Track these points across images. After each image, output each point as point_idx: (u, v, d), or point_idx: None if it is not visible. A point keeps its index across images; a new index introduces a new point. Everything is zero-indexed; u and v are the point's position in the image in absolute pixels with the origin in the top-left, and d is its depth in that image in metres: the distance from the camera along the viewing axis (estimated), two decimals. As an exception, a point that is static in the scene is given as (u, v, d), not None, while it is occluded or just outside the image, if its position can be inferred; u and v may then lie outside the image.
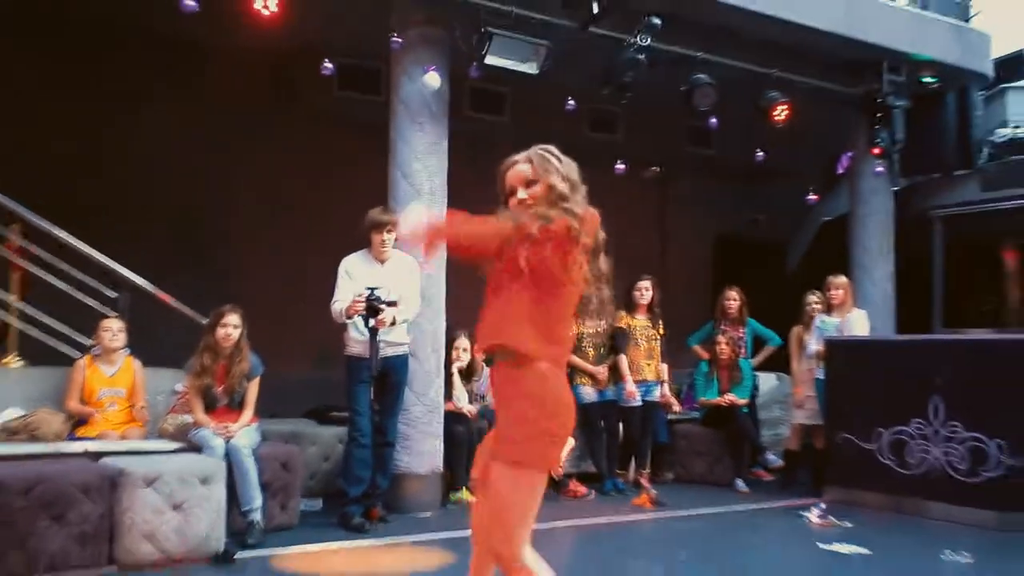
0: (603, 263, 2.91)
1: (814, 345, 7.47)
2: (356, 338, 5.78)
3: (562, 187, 2.85)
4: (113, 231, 7.10)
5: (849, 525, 5.97)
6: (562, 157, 2.93)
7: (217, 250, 8.25)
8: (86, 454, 5.05)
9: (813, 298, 7.79)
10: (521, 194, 2.90)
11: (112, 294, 6.44)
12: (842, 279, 7.66)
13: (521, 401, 2.82)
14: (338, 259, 5.88)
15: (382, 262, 5.88)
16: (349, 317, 5.66)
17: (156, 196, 8.11)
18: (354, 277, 5.78)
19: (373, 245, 5.87)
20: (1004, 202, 9.58)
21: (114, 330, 5.79)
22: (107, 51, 7.79)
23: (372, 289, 5.57)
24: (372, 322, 5.54)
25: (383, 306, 5.54)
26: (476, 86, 8.13)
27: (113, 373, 5.76)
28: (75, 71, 7.79)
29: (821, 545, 5.42)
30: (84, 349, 6.04)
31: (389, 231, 5.82)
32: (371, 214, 5.88)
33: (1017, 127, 10.14)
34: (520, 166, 2.94)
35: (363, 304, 5.54)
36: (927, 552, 5.26)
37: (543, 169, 2.88)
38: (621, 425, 7.43)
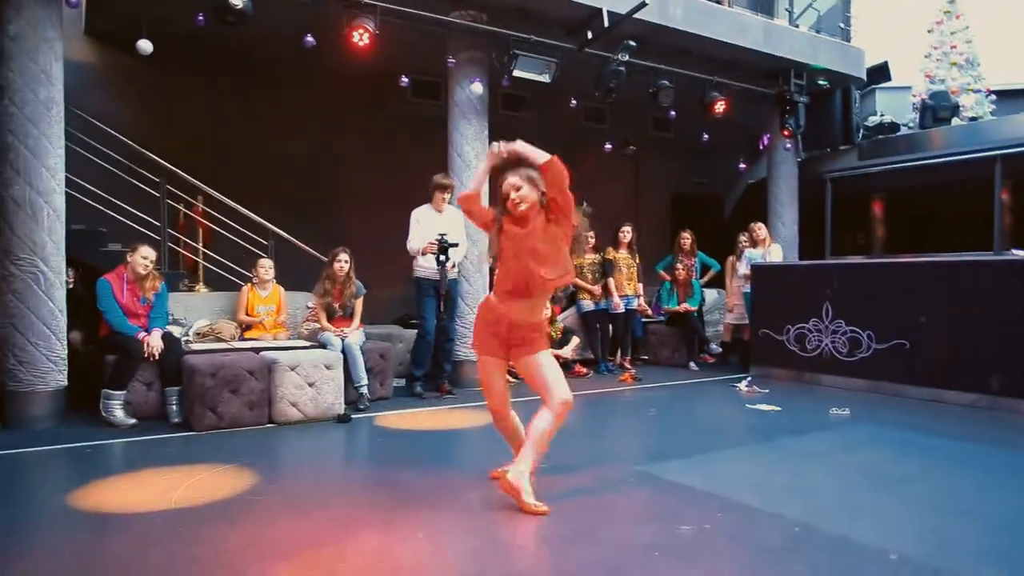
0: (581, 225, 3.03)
1: (743, 269, 7.35)
2: (424, 266, 5.71)
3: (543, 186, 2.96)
4: (266, 200, 7.08)
5: (767, 391, 5.96)
6: (533, 174, 2.97)
7: (333, 211, 8.20)
8: (252, 349, 5.10)
9: (742, 237, 7.70)
10: (513, 195, 2.96)
11: (264, 242, 6.44)
12: (762, 225, 7.52)
13: (542, 317, 3.06)
14: (411, 213, 5.79)
15: (440, 212, 5.78)
16: (423, 254, 5.59)
17: (293, 175, 8.05)
18: (422, 223, 5.68)
19: (435, 200, 5.75)
20: (873, 167, 9.30)
21: (266, 267, 5.80)
22: (255, 76, 7.67)
23: (442, 234, 5.47)
24: (442, 257, 5.45)
25: (448, 247, 5.45)
26: (506, 92, 7.92)
27: (266, 295, 5.80)
28: (237, 93, 7.69)
29: (748, 405, 5.41)
30: (247, 279, 6.07)
31: (447, 191, 5.72)
32: (435, 178, 5.76)
33: (883, 115, 9.83)
34: (511, 178, 2.97)
35: (436, 245, 5.45)
36: (820, 408, 5.23)
37: (527, 180, 2.95)
38: (611, 326, 7.40)
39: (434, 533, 2.71)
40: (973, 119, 10.04)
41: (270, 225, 6.44)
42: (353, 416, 4.91)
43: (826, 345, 6.26)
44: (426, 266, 5.68)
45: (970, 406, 5.24)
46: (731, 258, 7.82)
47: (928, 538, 2.68)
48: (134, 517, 2.89)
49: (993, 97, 10.70)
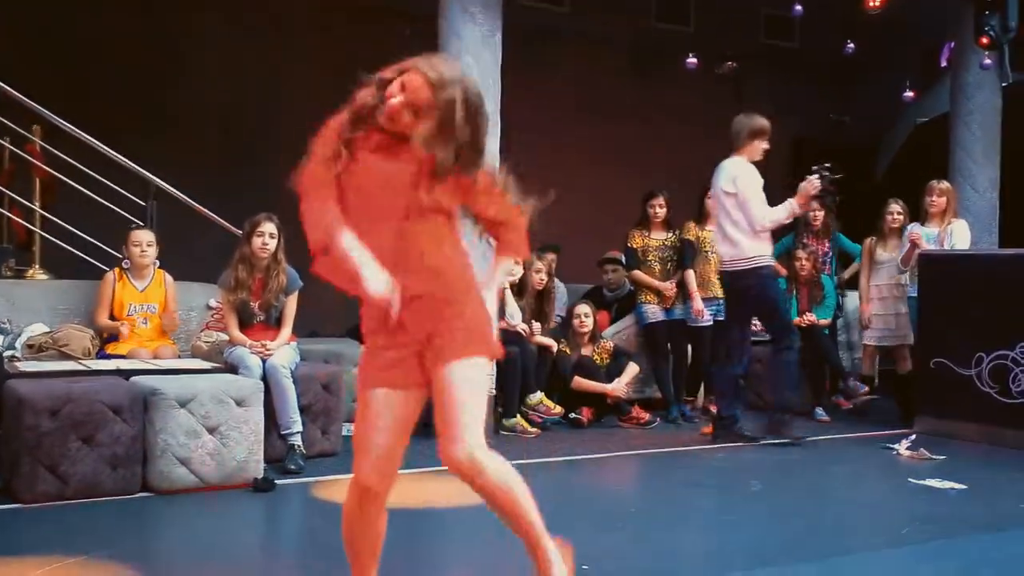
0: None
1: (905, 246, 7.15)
2: (765, 246, 6.16)
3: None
4: (150, 137, 7.09)
5: (943, 458, 5.84)
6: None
7: (259, 155, 8.19)
8: (117, 372, 5.06)
9: (896, 207, 7.58)
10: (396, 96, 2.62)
11: (143, 203, 6.43)
12: (946, 185, 7.41)
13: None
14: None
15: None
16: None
17: (196, 97, 8.06)
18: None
19: (756, 152, 6.17)
20: None
21: (144, 244, 5.78)
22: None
23: (825, 164, 5.63)
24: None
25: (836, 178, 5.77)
26: (532, -29, 7.89)
27: (144, 288, 5.78)
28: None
29: (912, 480, 5.30)
30: (113, 261, 6.06)
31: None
32: (753, 121, 6.17)
33: None
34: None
35: (820, 183, 5.73)
36: (1031, 488, 5.15)
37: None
38: (689, 347, 7.34)
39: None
40: None
41: (152, 177, 6.43)
42: (278, 482, 4.88)
43: (1044, 386, 6.19)
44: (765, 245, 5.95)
45: None
46: (869, 241, 7.68)
47: None
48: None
49: None
